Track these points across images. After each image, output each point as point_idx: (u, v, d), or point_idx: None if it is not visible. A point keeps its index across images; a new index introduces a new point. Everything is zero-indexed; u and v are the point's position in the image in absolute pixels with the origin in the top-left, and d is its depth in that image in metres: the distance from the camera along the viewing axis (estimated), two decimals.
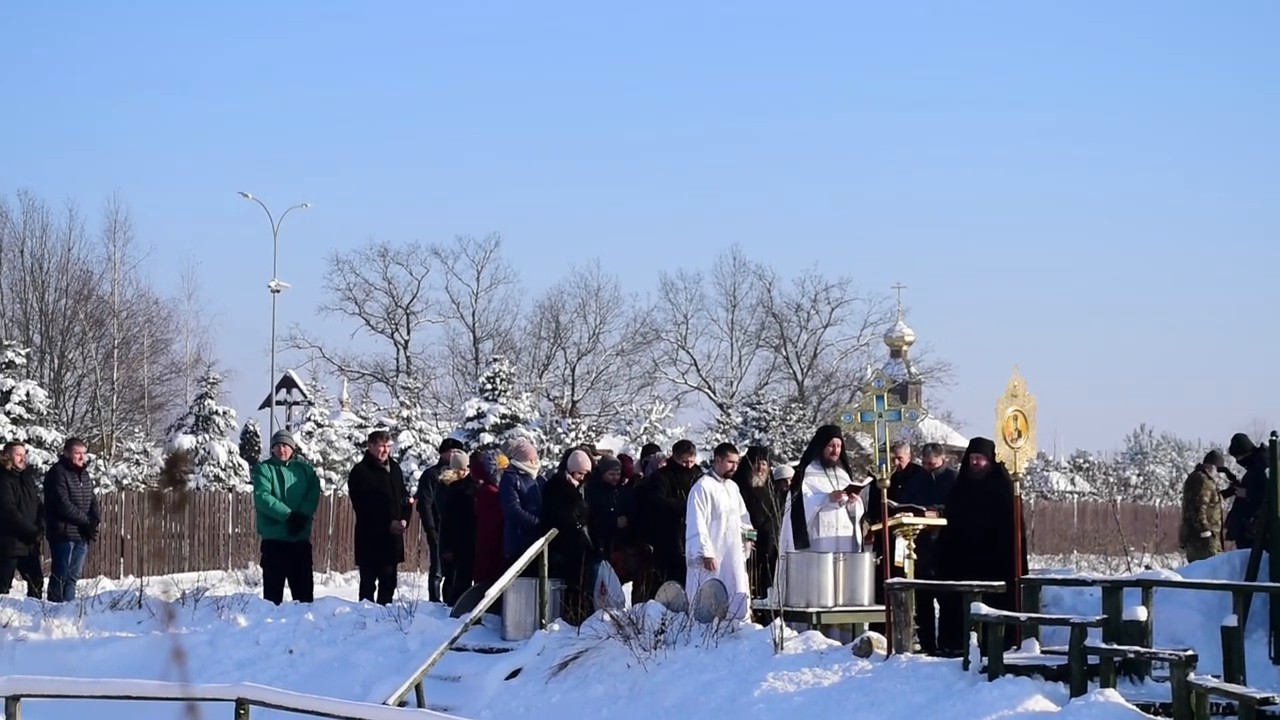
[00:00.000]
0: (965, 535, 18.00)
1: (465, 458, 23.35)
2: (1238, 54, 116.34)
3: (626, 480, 21.25)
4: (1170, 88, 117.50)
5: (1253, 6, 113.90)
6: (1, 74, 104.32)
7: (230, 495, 43.27)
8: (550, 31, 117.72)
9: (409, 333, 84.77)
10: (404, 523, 23.02)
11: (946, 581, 17.19)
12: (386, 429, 42.20)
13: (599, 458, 21.82)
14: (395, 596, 22.92)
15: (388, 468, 23.29)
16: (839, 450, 19.54)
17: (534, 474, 20.81)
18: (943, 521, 18.51)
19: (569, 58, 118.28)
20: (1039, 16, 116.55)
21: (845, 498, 19.12)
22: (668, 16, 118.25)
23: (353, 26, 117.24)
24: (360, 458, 28.94)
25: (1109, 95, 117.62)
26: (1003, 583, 16.35)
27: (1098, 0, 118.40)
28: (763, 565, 19.71)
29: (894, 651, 16.31)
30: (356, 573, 24.94)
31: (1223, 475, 27.10)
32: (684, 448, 21.37)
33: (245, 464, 51.08)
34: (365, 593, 22.74)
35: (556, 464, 23.21)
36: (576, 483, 20.17)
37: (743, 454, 21.02)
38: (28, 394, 45.63)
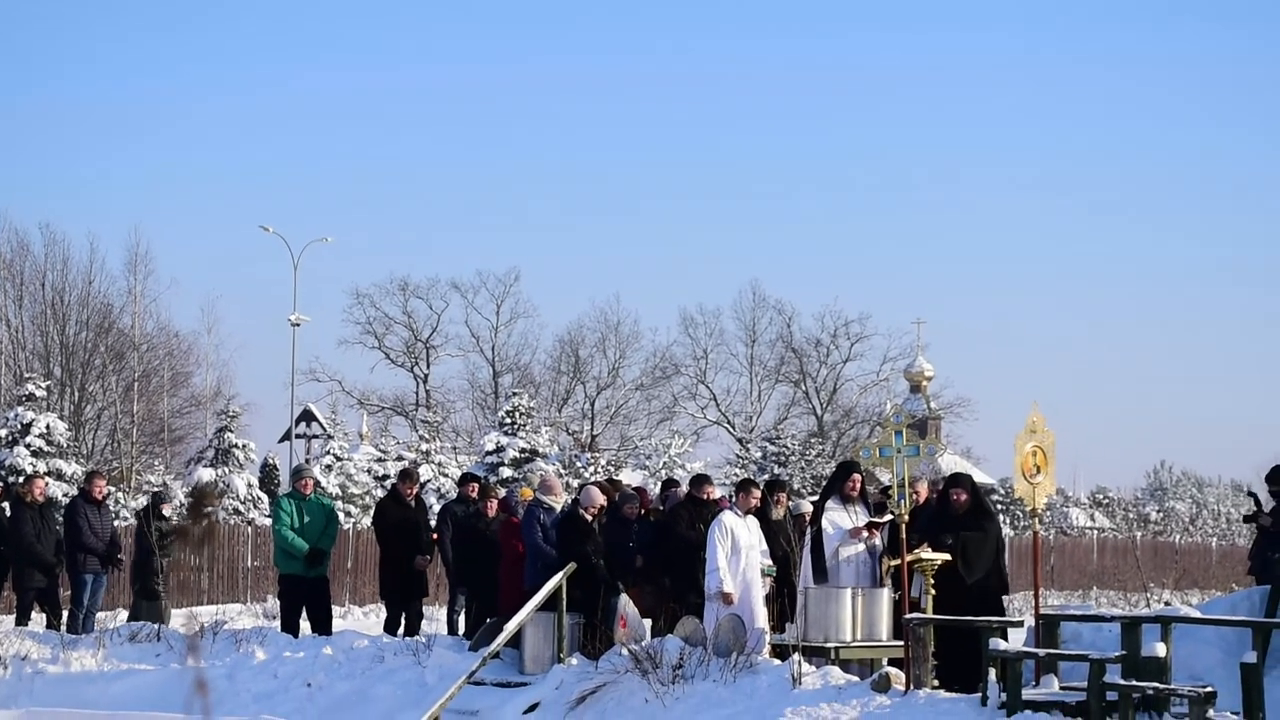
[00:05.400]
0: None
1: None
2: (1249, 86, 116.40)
3: (643, 513, 21.17)
4: (1189, 133, 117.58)
5: None
6: (23, 108, 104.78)
7: (249, 528, 43.25)
8: (571, 69, 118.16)
9: (429, 366, 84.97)
10: (428, 558, 22.96)
11: (965, 617, 17.15)
12: (415, 469, 42.22)
13: (619, 492, 21.71)
14: None
15: (413, 504, 23.22)
16: (859, 486, 19.54)
17: (558, 508, 20.76)
18: (946, 556, 18.36)
19: (589, 94, 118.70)
20: (1065, 56, 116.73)
21: (865, 534, 19.10)
22: (690, 55, 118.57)
23: (375, 63, 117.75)
24: (382, 493, 28.89)
25: (1129, 135, 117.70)
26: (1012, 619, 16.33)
27: (1126, 40, 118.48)
28: (781, 600, 19.66)
29: (912, 687, 16.28)
30: (375, 606, 24.89)
31: (1250, 499, 26.78)
32: (701, 480, 21.28)
33: (265, 497, 51.05)
34: (391, 628, 22.60)
35: (573, 498, 23.16)
36: (590, 517, 20.13)
37: (761, 487, 20.95)
38: (48, 427, 45.69)
